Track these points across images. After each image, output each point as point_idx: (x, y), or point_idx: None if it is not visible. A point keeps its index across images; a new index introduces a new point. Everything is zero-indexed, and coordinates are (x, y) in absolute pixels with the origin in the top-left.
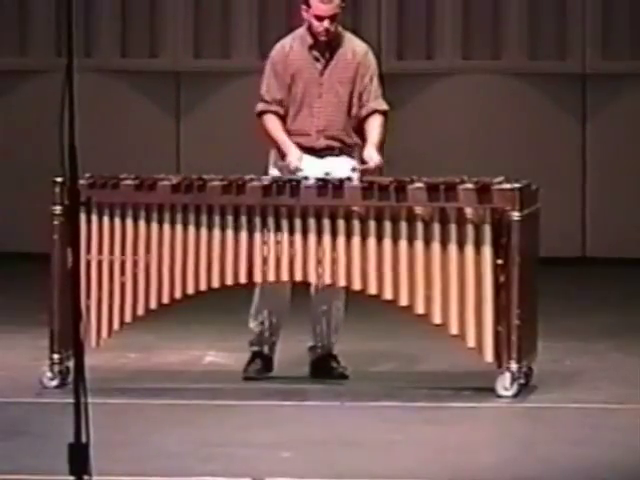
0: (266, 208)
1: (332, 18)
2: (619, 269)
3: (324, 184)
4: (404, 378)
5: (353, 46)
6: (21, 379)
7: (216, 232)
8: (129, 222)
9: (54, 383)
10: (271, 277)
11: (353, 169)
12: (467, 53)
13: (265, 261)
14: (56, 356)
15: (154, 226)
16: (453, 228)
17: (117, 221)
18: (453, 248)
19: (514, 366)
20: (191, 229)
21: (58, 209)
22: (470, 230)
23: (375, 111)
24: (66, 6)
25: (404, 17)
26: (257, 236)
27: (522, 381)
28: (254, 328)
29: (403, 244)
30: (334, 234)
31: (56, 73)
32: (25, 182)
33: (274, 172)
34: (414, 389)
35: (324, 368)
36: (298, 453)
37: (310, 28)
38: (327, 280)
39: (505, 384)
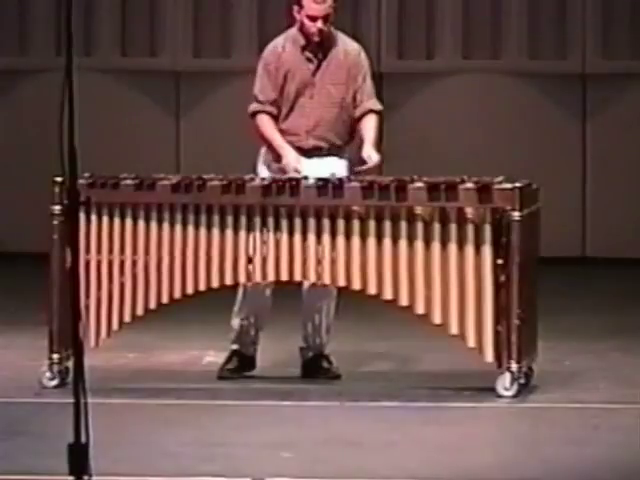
0: (266, 208)
1: (325, 18)
2: (619, 269)
3: (324, 184)
4: (404, 378)
5: (345, 46)
6: (20, 379)
7: (215, 232)
8: (128, 222)
9: (53, 383)
10: (270, 277)
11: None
12: (467, 53)
13: (264, 261)
14: (55, 356)
15: (153, 226)
16: (453, 228)
17: (116, 221)
18: (453, 248)
19: (514, 366)
20: (190, 229)
21: (57, 209)
22: (470, 230)
23: (370, 111)
24: (66, 6)
25: (404, 17)
26: (257, 236)
27: (522, 381)
28: (235, 326)
29: (403, 244)
30: (334, 234)
31: (56, 73)
32: (25, 182)
33: (263, 171)
34: (414, 389)
35: (316, 368)
36: (298, 453)
37: (302, 28)
38: (326, 280)
39: (505, 384)
